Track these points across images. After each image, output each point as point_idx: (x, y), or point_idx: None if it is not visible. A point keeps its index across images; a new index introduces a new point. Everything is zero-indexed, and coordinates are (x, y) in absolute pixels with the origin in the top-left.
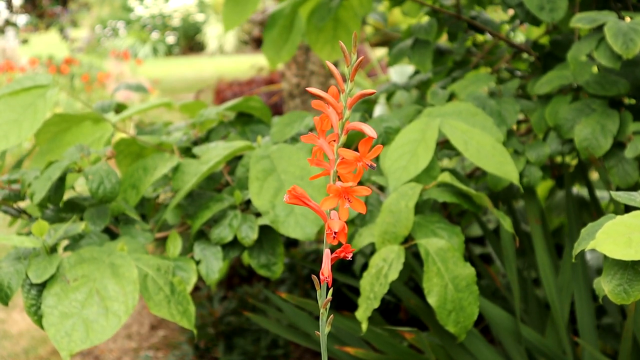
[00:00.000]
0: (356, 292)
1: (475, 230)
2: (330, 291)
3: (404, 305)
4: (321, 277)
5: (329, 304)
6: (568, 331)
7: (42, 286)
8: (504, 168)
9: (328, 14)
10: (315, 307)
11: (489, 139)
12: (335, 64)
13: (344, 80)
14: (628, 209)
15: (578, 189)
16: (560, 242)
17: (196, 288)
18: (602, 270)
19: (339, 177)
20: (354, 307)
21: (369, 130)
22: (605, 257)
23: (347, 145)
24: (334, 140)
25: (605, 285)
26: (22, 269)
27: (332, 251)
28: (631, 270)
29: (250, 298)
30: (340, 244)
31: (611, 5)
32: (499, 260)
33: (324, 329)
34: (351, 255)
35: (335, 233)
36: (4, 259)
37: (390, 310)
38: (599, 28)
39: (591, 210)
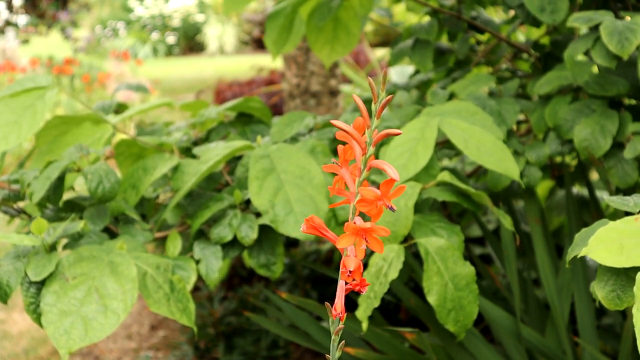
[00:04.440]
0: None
1: (475, 231)
2: (344, 319)
3: (404, 306)
4: (334, 312)
5: (329, 302)
6: (568, 331)
7: (41, 284)
8: (505, 165)
9: (328, 14)
10: (315, 307)
11: (489, 136)
12: (335, 65)
13: (370, 115)
14: None
15: (578, 189)
16: (561, 242)
17: (196, 288)
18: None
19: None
20: (355, 306)
21: (392, 171)
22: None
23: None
24: (357, 173)
25: (599, 291)
26: (21, 267)
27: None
28: (624, 277)
29: (251, 298)
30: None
31: (611, 6)
32: (499, 260)
33: (335, 353)
34: (365, 289)
35: (350, 271)
36: (3, 257)
37: (391, 310)
38: (596, 27)
39: (591, 210)
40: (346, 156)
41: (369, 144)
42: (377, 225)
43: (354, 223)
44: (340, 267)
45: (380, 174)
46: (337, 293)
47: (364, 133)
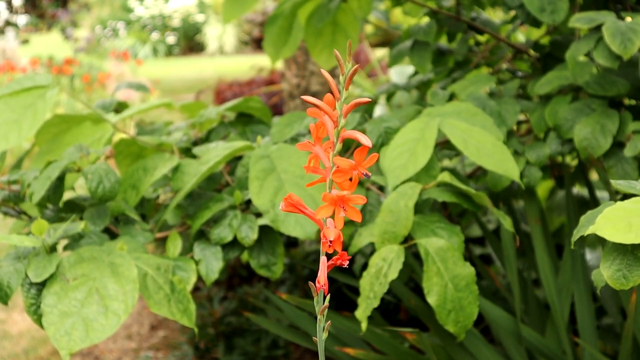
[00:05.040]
0: (356, 292)
1: (475, 231)
2: (328, 298)
3: (404, 306)
4: (317, 285)
5: (329, 304)
6: (568, 331)
7: (41, 285)
8: (505, 165)
9: (327, 15)
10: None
11: (489, 137)
12: (334, 69)
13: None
14: None
15: (578, 189)
16: (561, 242)
17: (196, 288)
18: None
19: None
20: (355, 307)
21: (364, 139)
22: (604, 243)
23: (345, 146)
24: (331, 148)
25: (605, 271)
26: (21, 268)
27: (329, 258)
28: (630, 256)
29: (251, 298)
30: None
31: (610, 7)
32: (499, 260)
33: (322, 334)
34: (347, 262)
35: (330, 242)
36: (3, 258)
37: (391, 311)
38: (598, 28)
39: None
40: (319, 133)
41: (340, 116)
42: (353, 194)
43: (331, 193)
44: (321, 238)
45: (380, 174)
46: (320, 267)
47: (335, 108)
